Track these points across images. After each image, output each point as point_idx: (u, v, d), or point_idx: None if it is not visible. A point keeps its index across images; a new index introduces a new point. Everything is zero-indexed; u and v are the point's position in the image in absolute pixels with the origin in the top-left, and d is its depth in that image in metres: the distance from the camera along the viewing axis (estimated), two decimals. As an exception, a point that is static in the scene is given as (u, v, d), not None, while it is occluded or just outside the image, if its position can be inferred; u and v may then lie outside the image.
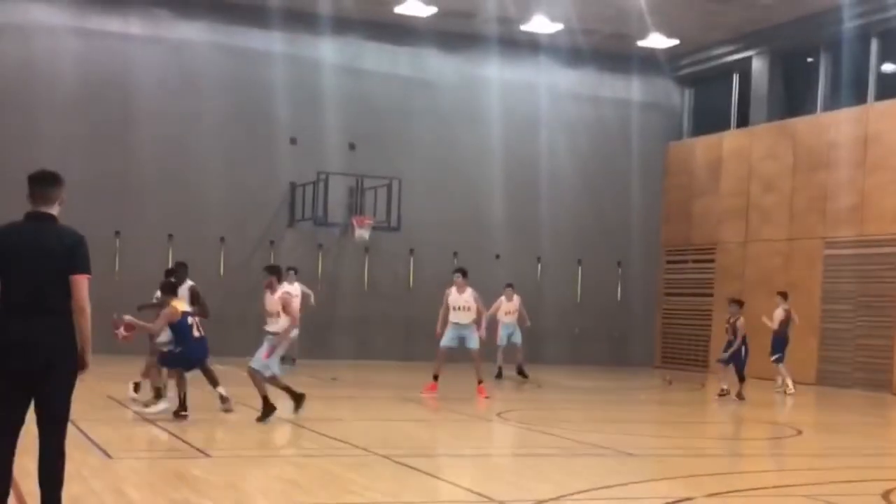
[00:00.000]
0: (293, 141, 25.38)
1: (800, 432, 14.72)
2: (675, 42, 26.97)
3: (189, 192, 24.44)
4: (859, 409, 19.19)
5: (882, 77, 24.40)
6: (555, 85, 27.70)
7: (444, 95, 26.72)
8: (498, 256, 26.99)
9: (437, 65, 26.85)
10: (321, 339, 24.63)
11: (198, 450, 10.49)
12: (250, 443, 11.69)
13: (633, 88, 28.75)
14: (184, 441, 11.02)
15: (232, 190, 24.75)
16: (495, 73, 27.18)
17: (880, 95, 23.91)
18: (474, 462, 10.83)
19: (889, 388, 21.83)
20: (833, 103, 25.04)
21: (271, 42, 25.22)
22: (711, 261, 27.33)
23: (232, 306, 22.48)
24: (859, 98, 24.21)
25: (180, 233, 24.19)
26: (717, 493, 9.24)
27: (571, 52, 27.16)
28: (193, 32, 24.79)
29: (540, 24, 25.42)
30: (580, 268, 28.05)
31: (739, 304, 19.42)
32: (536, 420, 14.97)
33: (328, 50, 25.75)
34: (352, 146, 25.83)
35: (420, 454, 10.87)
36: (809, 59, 26.25)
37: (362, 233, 24.34)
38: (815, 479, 10.60)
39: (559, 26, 25.54)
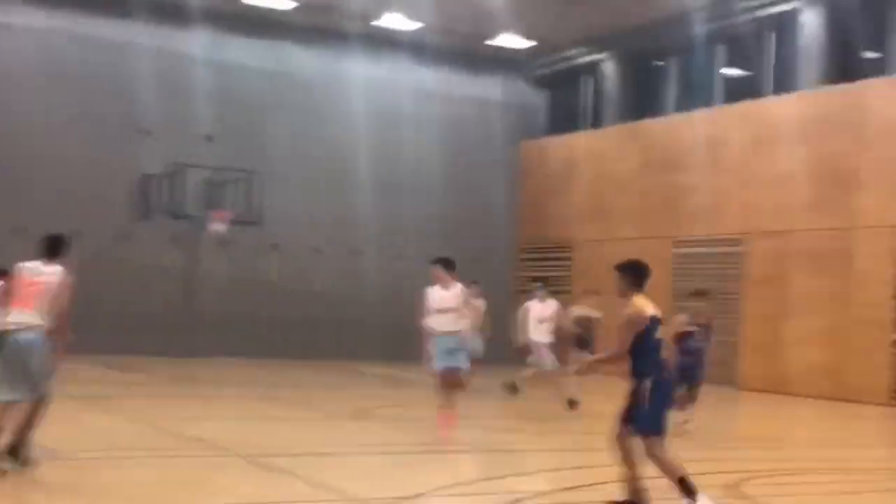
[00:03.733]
0: (147, 132, 24.86)
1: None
2: (530, 43, 27.41)
3: (40, 184, 23.69)
4: (708, 403, 19.77)
5: (728, 81, 25.37)
6: (416, 82, 27.85)
7: (306, 90, 26.60)
8: (354, 253, 27.00)
9: (299, 59, 26.71)
10: (179, 336, 24.17)
11: (51, 452, 10.19)
12: (105, 444, 11.42)
13: (492, 88, 29.15)
14: (36, 444, 10.68)
15: (84, 181, 24.09)
16: (357, 69, 27.17)
17: (726, 99, 24.85)
18: (336, 461, 10.81)
19: (735, 383, 22.68)
20: (682, 106, 25.90)
21: (131, 32, 24.68)
22: (568, 259, 27.88)
23: (85, 302, 21.84)
24: (706, 101, 25.09)
25: (31, 226, 23.35)
26: (573, 487, 9.48)
27: (431, 50, 27.36)
28: (49, 21, 24.07)
29: (398, 22, 25.53)
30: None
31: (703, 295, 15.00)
32: (398, 417, 15.05)
33: (189, 41, 25.35)
34: (209, 138, 25.43)
35: (281, 454, 10.80)
36: (659, 63, 27.07)
37: (219, 227, 24.02)
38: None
39: (418, 24, 25.69)
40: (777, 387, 21.26)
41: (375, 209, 27.17)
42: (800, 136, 22.02)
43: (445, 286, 13.56)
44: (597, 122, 28.36)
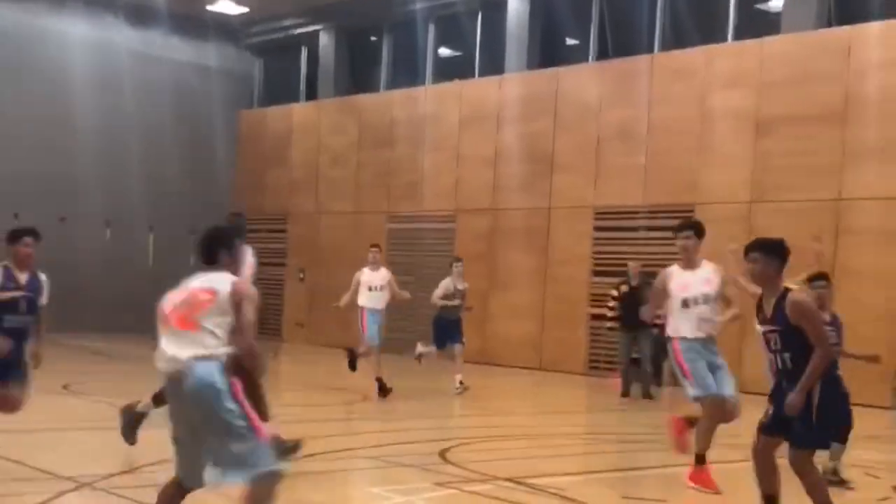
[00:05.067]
0: None
1: (365, 398, 15.54)
2: (244, 10, 27.08)
3: None
4: (420, 374, 20.35)
5: (438, 60, 26.12)
6: (128, 44, 26.79)
7: (10, 46, 25.04)
8: (63, 219, 25.79)
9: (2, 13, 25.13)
10: None
11: None
12: None
13: (209, 54, 28.53)
14: None
15: None
16: (64, 27, 25.86)
17: (437, 78, 25.60)
18: (39, 438, 10.43)
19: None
20: (395, 83, 26.43)
21: None
22: (283, 231, 27.86)
23: None
24: (419, 79, 25.72)
25: None
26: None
27: (145, 10, 26.51)
28: None
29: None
30: (152, 234, 27.49)
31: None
32: (105, 392, 14.62)
33: None
34: None
35: (-17, 434, 10.30)
36: (373, 38, 27.49)
37: None
38: (380, 441, 11.34)
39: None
40: (487, 358, 22.12)
41: (84, 175, 26.00)
42: (506, 117, 23.00)
43: (691, 264, 8.64)
44: (312, 94, 28.46)
